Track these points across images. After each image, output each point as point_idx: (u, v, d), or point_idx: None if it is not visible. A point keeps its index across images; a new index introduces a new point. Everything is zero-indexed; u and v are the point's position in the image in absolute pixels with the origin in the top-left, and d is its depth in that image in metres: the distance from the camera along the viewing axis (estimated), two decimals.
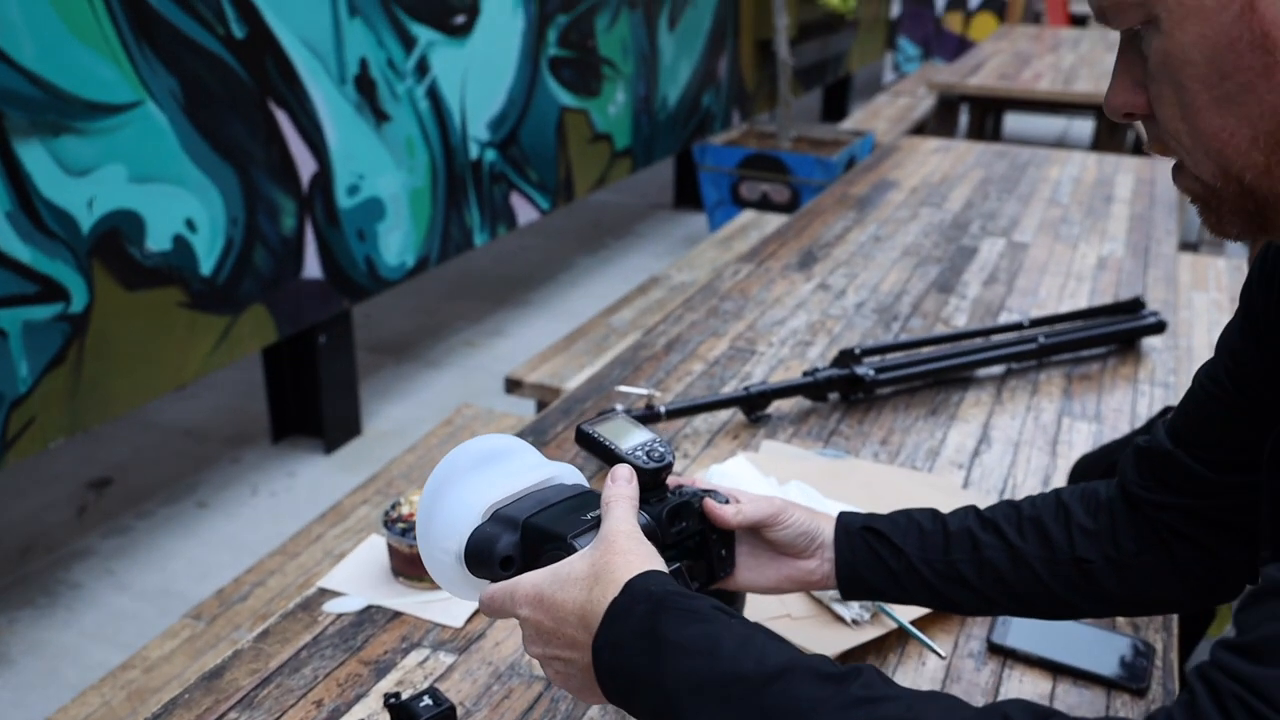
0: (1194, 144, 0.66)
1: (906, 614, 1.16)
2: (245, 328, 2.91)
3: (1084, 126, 8.16)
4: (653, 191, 6.26)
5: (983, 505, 1.00)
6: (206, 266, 2.75)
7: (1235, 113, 0.63)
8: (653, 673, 0.69)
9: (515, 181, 3.99)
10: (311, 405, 3.36)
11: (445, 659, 1.12)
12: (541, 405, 2.71)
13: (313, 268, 3.09)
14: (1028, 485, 1.49)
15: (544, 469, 0.88)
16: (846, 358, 1.71)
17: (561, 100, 4.22)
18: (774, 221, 4.17)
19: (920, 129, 6.18)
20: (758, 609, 1.13)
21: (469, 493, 0.84)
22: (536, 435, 1.59)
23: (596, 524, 0.81)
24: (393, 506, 1.25)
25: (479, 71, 3.67)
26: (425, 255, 3.55)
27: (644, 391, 1.66)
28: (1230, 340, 0.86)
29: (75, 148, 2.38)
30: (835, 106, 8.20)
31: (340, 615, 1.18)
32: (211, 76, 2.67)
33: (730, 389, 1.75)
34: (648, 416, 1.52)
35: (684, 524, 0.89)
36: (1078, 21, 10.80)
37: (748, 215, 4.24)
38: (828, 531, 0.96)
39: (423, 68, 3.38)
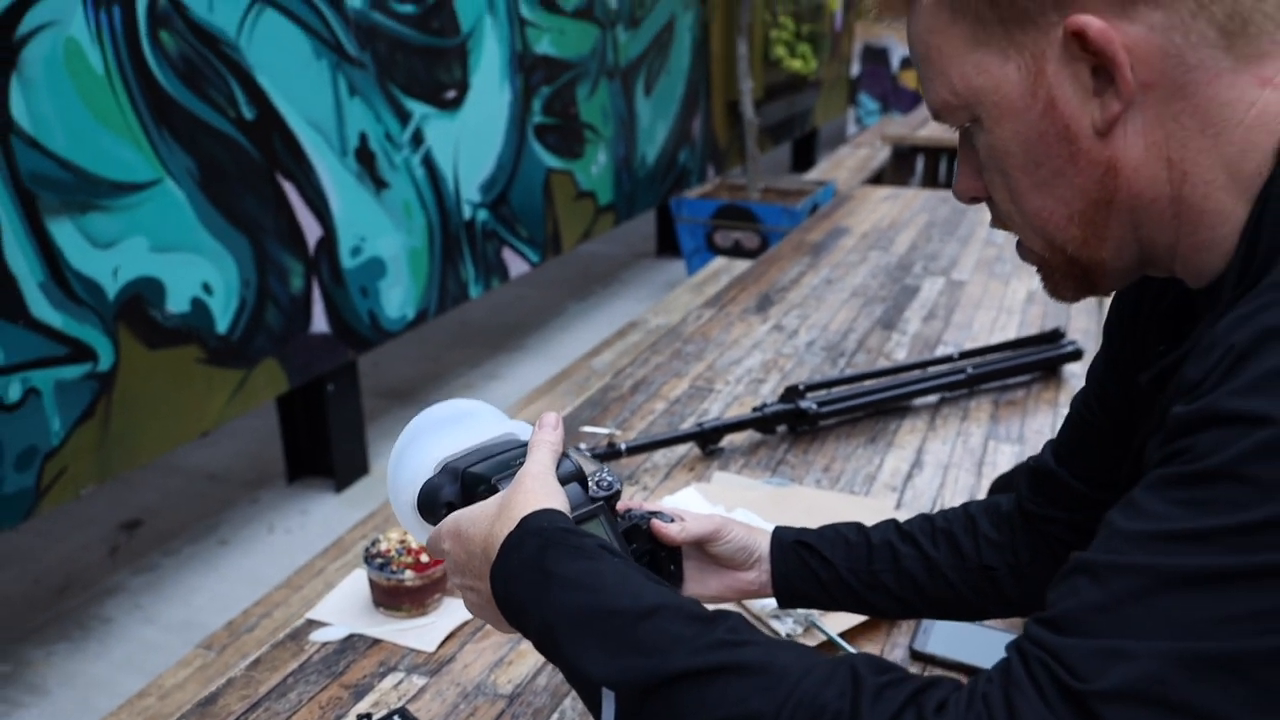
0: (1024, 222, 0.70)
1: (836, 625, 1.17)
2: (259, 380, 2.93)
3: None
4: (637, 241, 6.32)
5: None
6: (222, 325, 2.78)
7: (1052, 195, 0.66)
8: (538, 603, 0.70)
9: (506, 238, 4.04)
10: (322, 448, 3.38)
11: (418, 681, 1.13)
12: None
13: (320, 323, 3.12)
14: (955, 504, 1.50)
15: (502, 426, 0.89)
16: (792, 393, 1.73)
17: (547, 163, 4.28)
18: (742, 267, 4.21)
19: (879, 178, 6.24)
20: None
21: (426, 449, 0.86)
22: None
23: None
24: (373, 543, 1.27)
25: (470, 140, 3.73)
26: (424, 308, 3.59)
27: (606, 431, 1.69)
28: (1097, 370, 0.89)
29: (101, 223, 2.42)
30: (803, 158, 8.28)
31: (325, 643, 1.20)
32: (224, 154, 2.72)
33: (688, 425, 1.77)
34: (609, 454, 1.55)
35: (634, 545, 0.91)
36: None
37: (720, 261, 4.28)
38: (764, 546, 0.98)
39: (418, 139, 3.43)
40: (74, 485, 2.43)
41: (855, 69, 9.09)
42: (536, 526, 0.73)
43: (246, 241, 2.82)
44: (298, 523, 3.21)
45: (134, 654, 2.62)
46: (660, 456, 1.66)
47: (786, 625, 1.17)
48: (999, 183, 0.69)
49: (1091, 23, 0.60)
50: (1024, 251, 0.73)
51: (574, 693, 0.94)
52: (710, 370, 2.04)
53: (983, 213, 3.24)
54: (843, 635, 1.17)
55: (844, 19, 8.70)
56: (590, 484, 0.87)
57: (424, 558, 1.24)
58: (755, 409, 1.70)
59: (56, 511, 2.65)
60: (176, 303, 2.64)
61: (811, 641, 1.16)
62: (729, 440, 1.71)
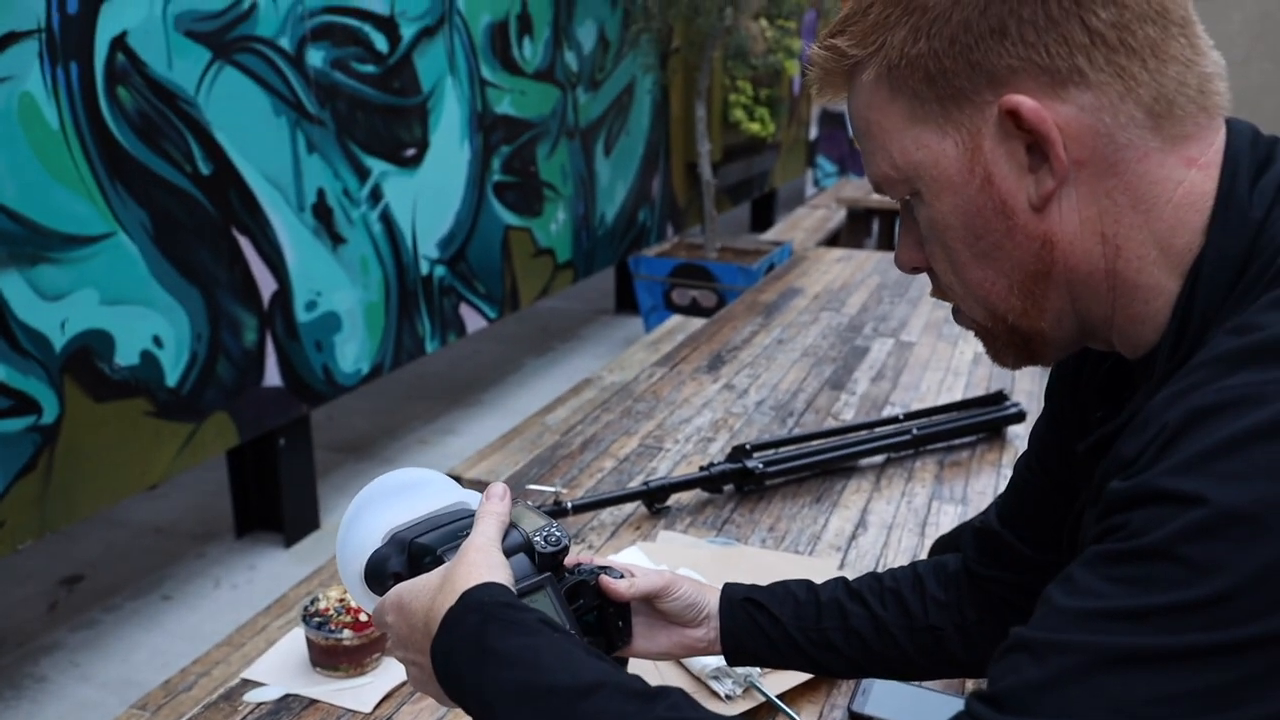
0: (965, 292, 0.71)
1: (776, 686, 1.18)
2: (208, 433, 2.90)
3: None
4: (596, 298, 6.35)
5: None
6: (172, 378, 2.75)
7: (992, 266, 0.68)
8: (477, 680, 0.69)
9: (464, 294, 4.05)
10: (273, 502, 3.33)
11: None
12: None
13: (273, 376, 3.10)
14: (897, 564, 1.52)
15: (452, 495, 0.89)
16: (739, 452, 1.75)
17: (506, 220, 4.31)
18: (698, 324, 4.25)
19: (835, 238, 6.35)
20: None
21: (375, 519, 0.85)
22: None
23: None
24: (312, 601, 1.26)
25: (429, 197, 3.75)
26: (380, 362, 3.58)
27: (552, 490, 1.69)
28: (1039, 433, 0.91)
29: (50, 275, 2.40)
30: (762, 217, 8.41)
31: (260, 704, 1.18)
32: (179, 209, 2.72)
33: (636, 484, 1.78)
34: (555, 513, 1.55)
35: (581, 600, 0.90)
36: None
37: (676, 319, 4.32)
38: (714, 602, 0.98)
39: (376, 195, 3.45)
40: (11, 540, 2.37)
41: (814, 131, 9.29)
42: (477, 601, 0.72)
43: (199, 295, 2.80)
44: (245, 578, 3.15)
45: (68, 713, 2.54)
46: (607, 515, 1.66)
47: (726, 686, 1.17)
48: (940, 254, 0.71)
49: (1024, 102, 0.62)
50: (961, 318, 0.75)
51: None
52: (660, 429, 2.05)
53: None
54: (781, 696, 1.17)
55: (802, 83, 8.91)
56: (538, 538, 0.86)
57: (363, 616, 1.23)
58: (702, 468, 1.71)
59: None
60: (125, 355, 2.61)
61: (751, 703, 1.16)
62: (676, 499, 1.71)
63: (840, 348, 2.61)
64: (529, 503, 0.98)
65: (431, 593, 0.75)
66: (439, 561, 0.80)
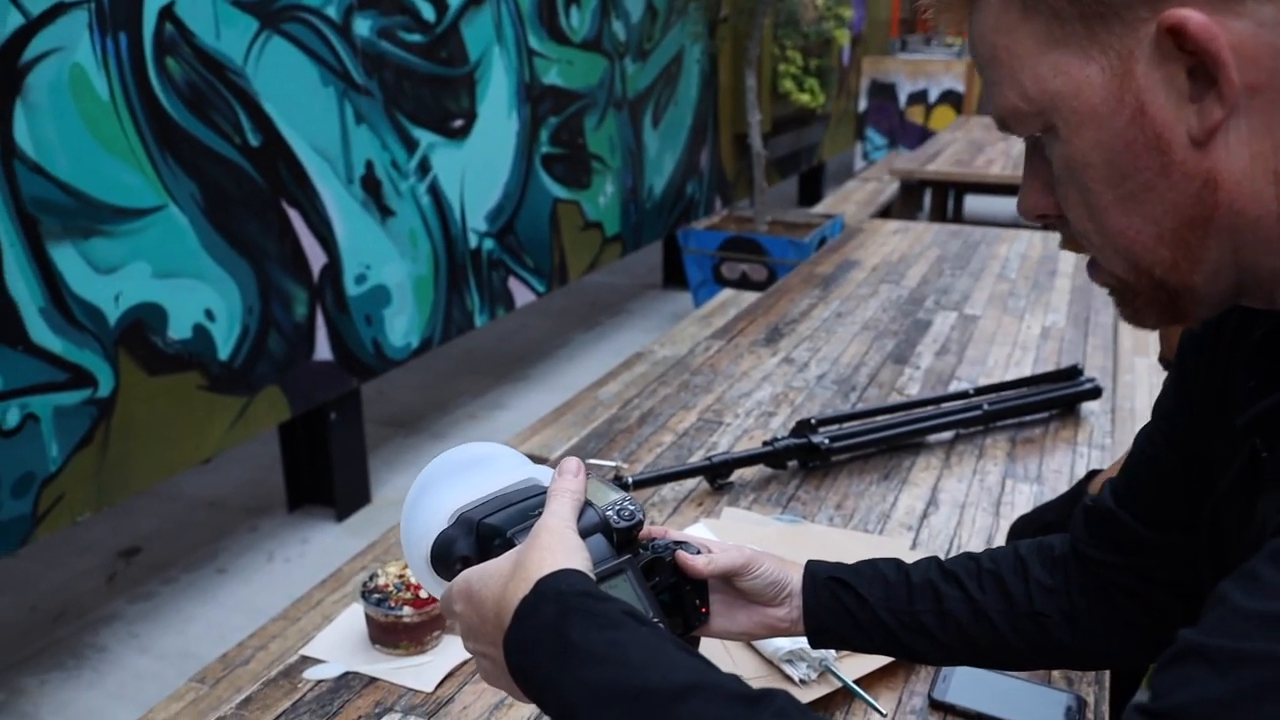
0: (1103, 242, 0.62)
1: (852, 671, 1.13)
2: (260, 407, 2.90)
3: None
4: (643, 272, 6.30)
5: None
6: (224, 352, 2.75)
7: (1139, 211, 0.59)
8: (557, 677, 0.63)
9: (512, 267, 4.01)
10: (324, 476, 3.34)
11: None
12: None
13: (323, 350, 3.09)
14: (972, 545, 1.46)
15: (521, 471, 0.82)
16: (804, 427, 1.69)
17: (554, 193, 4.26)
18: (749, 298, 4.18)
19: (887, 212, 6.23)
20: None
21: (440, 499, 0.80)
22: None
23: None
24: (371, 578, 1.23)
25: (477, 169, 3.71)
26: (429, 336, 3.56)
27: (612, 464, 1.65)
28: (1164, 403, 0.84)
29: (104, 248, 2.40)
30: (810, 191, 8.28)
31: (319, 681, 1.15)
32: (229, 180, 2.70)
33: (697, 459, 1.73)
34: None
35: (657, 578, 0.84)
36: None
37: (727, 293, 4.24)
38: (796, 580, 0.92)
39: (424, 167, 3.42)
40: (71, 512, 2.38)
41: (863, 104, 9.11)
42: (554, 590, 0.66)
43: (250, 268, 2.79)
44: (297, 552, 3.16)
45: (127, 683, 2.56)
46: (668, 490, 1.62)
47: (799, 670, 1.12)
48: (1075, 198, 0.62)
49: (1192, 17, 0.53)
50: (1100, 274, 0.66)
51: None
52: (719, 403, 2.00)
53: (995, 246, 3.19)
54: (858, 682, 1.12)
55: (852, 54, 8.73)
56: (611, 514, 0.80)
57: (423, 593, 1.19)
58: (766, 443, 1.66)
59: (54, 537, 2.60)
60: (178, 329, 2.61)
61: (826, 688, 1.11)
62: (738, 475, 1.66)
63: (901, 321, 2.53)
64: (599, 476, 0.91)
65: (503, 580, 0.70)
66: (509, 544, 0.74)
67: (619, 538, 0.79)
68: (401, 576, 1.22)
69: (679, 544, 0.87)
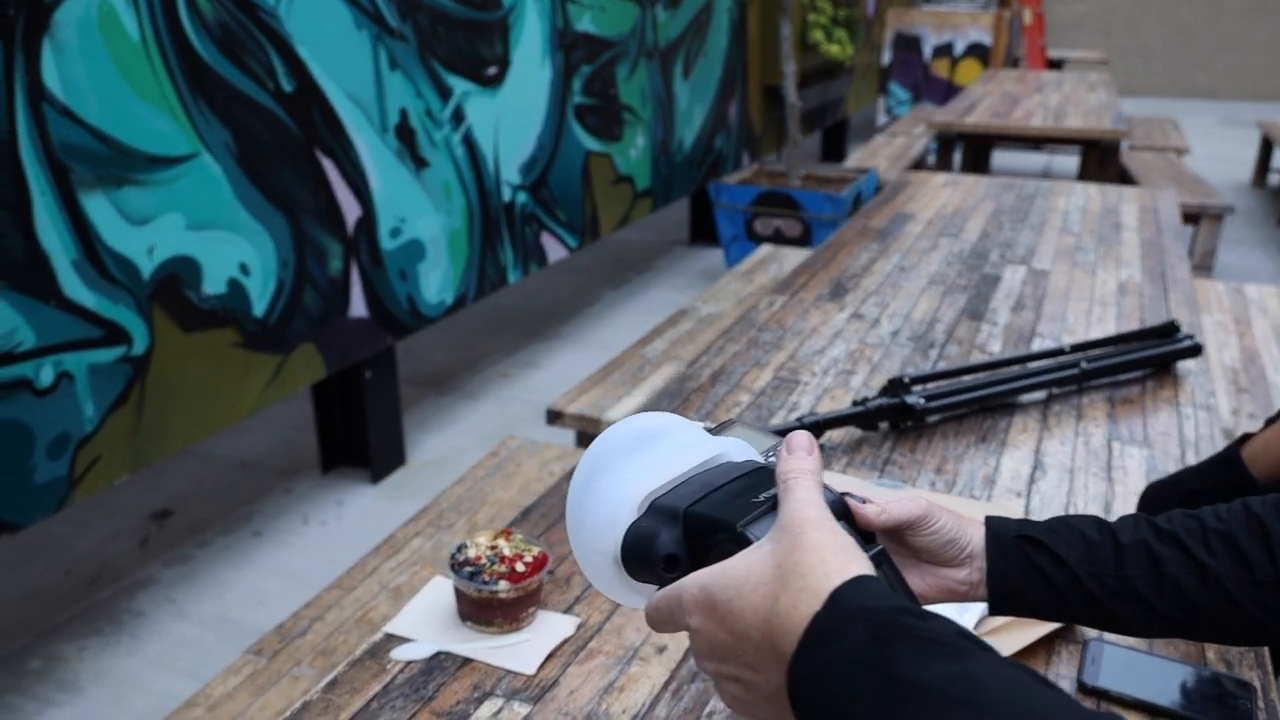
0: None
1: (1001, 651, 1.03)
2: (296, 365, 2.80)
3: (1065, 162, 8.05)
4: (669, 229, 6.16)
5: None
6: (259, 308, 2.64)
7: None
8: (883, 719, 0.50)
9: (545, 222, 3.89)
10: (358, 437, 3.24)
11: (519, 709, 0.99)
12: (582, 436, 2.59)
13: (359, 307, 2.98)
14: (1090, 511, 1.36)
15: (707, 446, 0.69)
16: (896, 386, 1.58)
17: (587, 145, 4.13)
18: (791, 254, 4.05)
19: (918, 165, 6.07)
20: None
21: (622, 482, 0.66)
22: None
23: (773, 507, 0.61)
24: (459, 549, 1.13)
25: (510, 119, 3.58)
26: (464, 293, 3.45)
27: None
28: None
29: (136, 198, 2.28)
30: (834, 147, 8.11)
31: (409, 663, 1.06)
32: (263, 128, 2.58)
33: (778, 419, 1.63)
34: None
35: None
36: (1055, 65, 10.72)
37: (766, 249, 4.12)
38: (977, 539, 0.80)
39: (458, 116, 3.28)
40: (107, 475, 2.29)
41: (886, 57, 8.89)
42: (858, 606, 0.53)
43: (284, 220, 2.68)
44: (334, 515, 3.07)
45: (167, 650, 2.49)
46: None
47: None
48: None
49: None
50: None
51: None
52: (793, 360, 1.89)
53: (1052, 199, 3.07)
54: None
55: (877, 5, 8.51)
56: (774, 458, 0.66)
57: (519, 566, 1.09)
58: (856, 403, 1.55)
59: (86, 499, 2.52)
60: (213, 283, 2.50)
61: None
62: (827, 436, 1.56)
63: (969, 275, 2.41)
64: (748, 425, 0.78)
65: (768, 589, 0.56)
66: (741, 540, 0.60)
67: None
68: (494, 548, 1.12)
69: (843, 494, 0.71)
